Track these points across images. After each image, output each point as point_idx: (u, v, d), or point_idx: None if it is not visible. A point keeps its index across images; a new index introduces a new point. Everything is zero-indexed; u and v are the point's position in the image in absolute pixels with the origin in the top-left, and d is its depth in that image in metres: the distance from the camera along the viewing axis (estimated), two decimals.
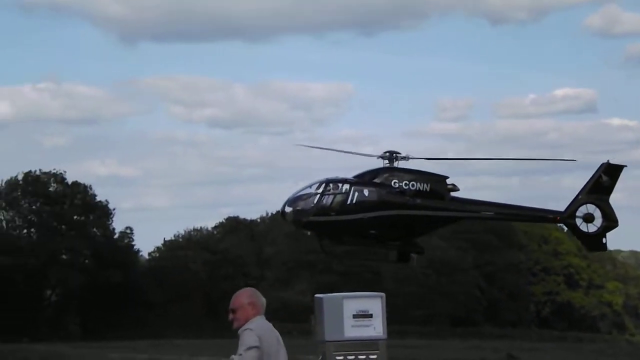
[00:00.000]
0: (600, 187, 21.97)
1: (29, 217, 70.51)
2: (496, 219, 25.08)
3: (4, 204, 70.67)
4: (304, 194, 20.73)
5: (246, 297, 8.43)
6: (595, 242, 22.65)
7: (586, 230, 21.91)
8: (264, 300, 8.49)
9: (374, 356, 10.06)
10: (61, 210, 69.59)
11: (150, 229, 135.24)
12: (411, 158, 21.41)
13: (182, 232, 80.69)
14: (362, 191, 20.75)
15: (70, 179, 71.85)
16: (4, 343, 52.54)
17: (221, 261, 74.73)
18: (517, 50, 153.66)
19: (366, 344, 10.06)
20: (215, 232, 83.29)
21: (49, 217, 69.74)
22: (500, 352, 51.38)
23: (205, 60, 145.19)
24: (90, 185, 72.03)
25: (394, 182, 21.01)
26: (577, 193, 21.83)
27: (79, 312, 72.21)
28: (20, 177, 70.93)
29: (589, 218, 21.82)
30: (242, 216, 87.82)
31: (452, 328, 72.92)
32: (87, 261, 69.69)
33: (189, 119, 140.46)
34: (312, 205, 20.40)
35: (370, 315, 10.07)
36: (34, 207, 70.51)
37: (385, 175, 21.15)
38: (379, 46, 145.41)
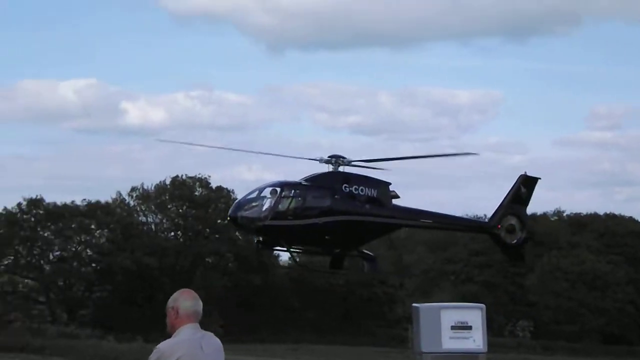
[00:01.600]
0: (519, 198, 21.82)
1: (176, 220, 72.77)
2: (433, 228, 24.43)
3: (153, 207, 73.18)
4: (255, 198, 19.84)
5: (171, 300, 7.38)
6: (516, 253, 22.77)
7: (509, 242, 21.84)
8: (193, 305, 7.38)
9: None
10: (205, 214, 71.46)
11: None
12: (354, 162, 20.83)
13: None
14: (317, 196, 20.09)
15: (217, 184, 73.86)
16: (149, 343, 54.28)
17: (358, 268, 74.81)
18: None
19: (465, 357, 9.81)
20: None
21: (194, 220, 71.73)
22: None
23: (350, 67, 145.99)
24: (233, 190, 73.64)
25: (345, 187, 20.40)
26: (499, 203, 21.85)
27: (220, 314, 73.82)
28: (168, 182, 73.31)
29: (510, 229, 21.75)
30: None
31: (604, 346, 69.96)
32: (230, 264, 71.32)
33: (333, 126, 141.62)
34: (268, 209, 19.56)
35: (470, 327, 9.80)
36: (180, 210, 72.72)
37: (336, 179, 20.50)
38: (529, 52, 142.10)
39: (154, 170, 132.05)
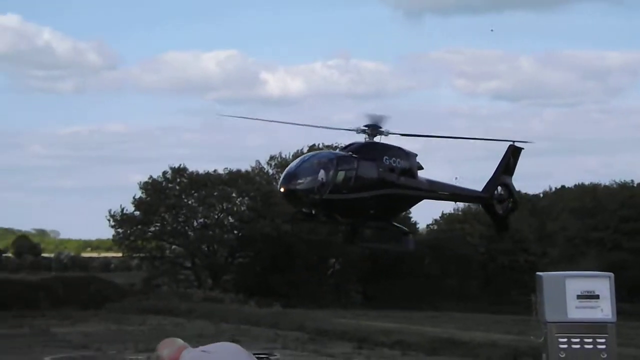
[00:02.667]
0: (508, 168, 22.08)
1: None
2: (446, 199, 23.73)
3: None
4: (308, 169, 18.90)
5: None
6: (503, 223, 22.91)
7: (498, 212, 22.06)
8: (172, 348, 7.35)
9: (602, 340, 9.39)
10: None
11: (432, 201, 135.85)
12: (390, 133, 20.07)
13: (462, 206, 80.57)
14: (367, 168, 19.38)
15: None
16: (287, 308, 55.25)
17: (500, 236, 73.70)
18: None
19: (593, 327, 9.43)
20: None
21: None
22: None
23: (489, 32, 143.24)
24: None
25: (385, 159, 19.80)
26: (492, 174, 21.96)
27: (360, 281, 74.27)
28: (305, 150, 74.02)
29: (501, 199, 21.98)
30: (524, 191, 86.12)
31: None
32: (367, 231, 71.51)
33: (473, 92, 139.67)
34: (327, 182, 18.70)
35: (597, 297, 9.43)
36: None
37: (377, 151, 19.85)
38: None
39: (291, 138, 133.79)
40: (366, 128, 19.95)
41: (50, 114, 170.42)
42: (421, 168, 20.99)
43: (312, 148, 73.74)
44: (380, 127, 19.97)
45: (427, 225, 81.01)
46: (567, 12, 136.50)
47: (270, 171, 74.49)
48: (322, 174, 18.66)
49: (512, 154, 22.26)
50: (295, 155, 73.94)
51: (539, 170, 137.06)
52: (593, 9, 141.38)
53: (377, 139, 20.19)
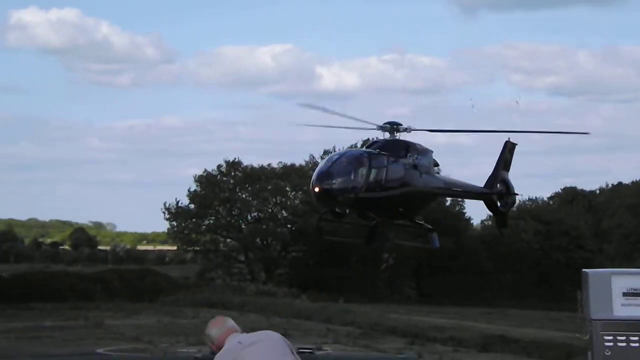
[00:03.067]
0: (506, 164, 22.16)
1: None
2: (457, 196, 23.95)
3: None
4: (341, 168, 18.46)
5: (204, 338, 7.53)
6: (503, 219, 22.92)
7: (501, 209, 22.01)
8: (220, 329, 7.36)
9: None
10: None
11: None
12: (413, 130, 19.63)
13: (517, 202, 79.73)
14: (395, 165, 19.05)
15: None
16: (348, 303, 55.24)
17: (555, 232, 72.81)
18: None
19: (639, 325, 9.22)
20: (550, 203, 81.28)
21: None
22: None
23: (547, 26, 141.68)
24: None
25: (409, 156, 19.42)
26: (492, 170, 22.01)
27: (414, 276, 73.97)
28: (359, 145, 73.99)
29: (501, 195, 21.94)
30: (581, 187, 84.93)
31: None
32: None
33: (530, 87, 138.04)
34: (361, 180, 18.35)
35: None
36: None
37: (401, 148, 19.45)
38: None
39: (345, 133, 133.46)
40: (388, 125, 19.68)
41: (107, 107, 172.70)
42: (437, 165, 20.95)
43: (365, 142, 73.63)
44: (401, 124, 19.66)
45: (482, 221, 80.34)
46: (626, 6, 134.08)
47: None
48: (356, 172, 18.37)
49: (509, 150, 22.30)
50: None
51: (596, 166, 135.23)
52: None
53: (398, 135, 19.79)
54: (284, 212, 71.43)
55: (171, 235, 73.69)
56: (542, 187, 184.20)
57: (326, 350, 29.49)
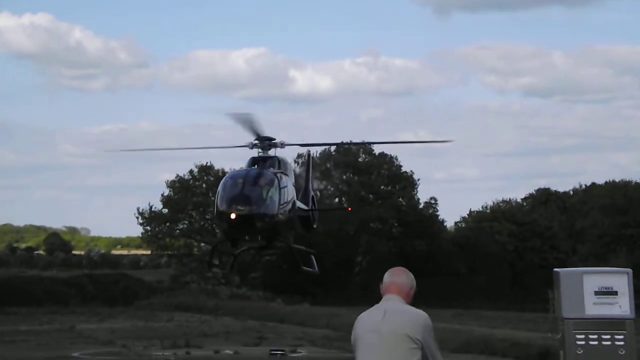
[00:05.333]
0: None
1: (340, 186, 73.51)
2: (305, 214, 21.43)
3: (318, 174, 74.18)
4: (256, 190, 17.20)
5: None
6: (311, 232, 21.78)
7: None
8: (391, 278, 7.44)
9: (620, 337, 9.26)
10: (369, 180, 71.77)
11: (460, 199, 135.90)
12: (287, 145, 18.70)
13: (490, 203, 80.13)
14: (290, 184, 18.46)
15: (378, 150, 73.89)
16: (315, 306, 55.26)
17: (528, 233, 73.27)
18: None
19: (610, 323, 9.32)
20: (524, 204, 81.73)
21: (358, 186, 72.22)
22: None
23: (521, 28, 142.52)
24: (396, 156, 73.58)
25: (283, 173, 18.53)
26: None
27: None
28: (332, 149, 74.06)
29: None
30: (555, 188, 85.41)
31: None
32: (393, 230, 71.48)
33: (503, 89, 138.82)
34: (276, 202, 17.32)
35: (615, 293, 9.30)
36: (344, 177, 73.39)
37: (283, 164, 18.59)
38: None
39: (320, 137, 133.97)
40: (258, 142, 18.26)
41: (81, 112, 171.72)
42: None
43: (338, 146, 73.72)
44: (274, 139, 18.39)
45: (455, 223, 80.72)
46: (600, 6, 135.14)
47: (297, 170, 74.43)
48: (271, 194, 16.85)
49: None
50: (322, 154, 73.70)
51: (570, 167, 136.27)
52: (623, 3, 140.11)
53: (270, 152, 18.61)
54: None
55: (145, 240, 73.37)
56: (516, 188, 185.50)
57: (300, 352, 29.55)
